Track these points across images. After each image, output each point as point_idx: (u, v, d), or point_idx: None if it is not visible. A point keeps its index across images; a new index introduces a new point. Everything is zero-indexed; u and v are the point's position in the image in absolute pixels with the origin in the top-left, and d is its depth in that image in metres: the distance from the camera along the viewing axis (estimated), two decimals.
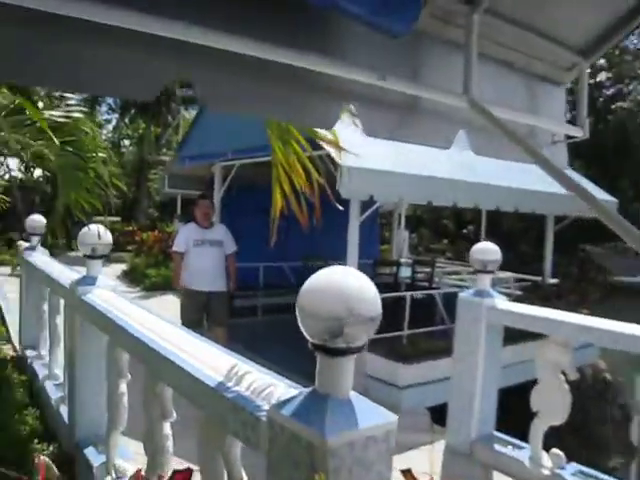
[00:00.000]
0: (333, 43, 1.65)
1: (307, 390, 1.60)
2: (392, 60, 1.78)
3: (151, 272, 12.76)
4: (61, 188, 4.31)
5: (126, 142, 26.54)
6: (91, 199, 4.40)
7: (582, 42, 2.20)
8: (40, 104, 4.15)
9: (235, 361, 2.16)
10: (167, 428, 2.59)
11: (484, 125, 1.81)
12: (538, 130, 2.31)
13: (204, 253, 6.16)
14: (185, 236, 6.29)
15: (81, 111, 4.38)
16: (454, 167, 6.51)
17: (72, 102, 4.18)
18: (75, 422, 3.73)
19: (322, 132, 2.77)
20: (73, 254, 13.20)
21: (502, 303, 4.27)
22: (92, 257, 3.75)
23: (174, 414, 2.54)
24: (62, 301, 4.53)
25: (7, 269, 13.30)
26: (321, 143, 3.43)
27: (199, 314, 6.21)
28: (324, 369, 1.56)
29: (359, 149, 3.89)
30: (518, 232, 24.81)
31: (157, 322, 2.99)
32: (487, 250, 4.34)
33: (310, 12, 1.53)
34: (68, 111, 4.03)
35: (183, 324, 5.93)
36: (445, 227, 31.72)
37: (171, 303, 10.60)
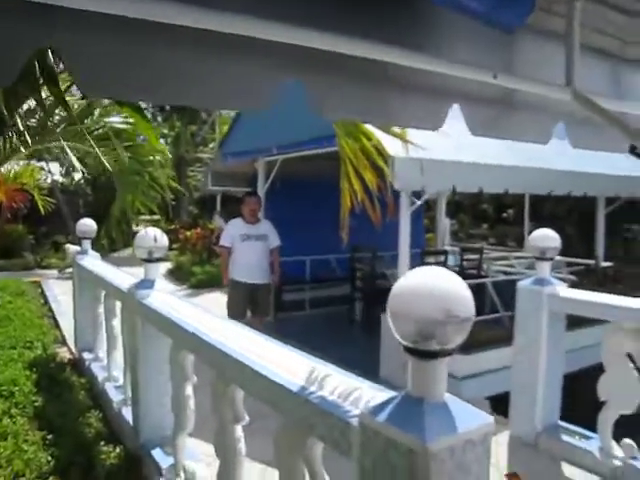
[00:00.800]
0: (445, 41, 1.61)
1: (400, 394, 1.56)
2: (498, 56, 1.73)
3: (197, 270, 12.85)
4: (119, 192, 4.36)
5: (161, 141, 26.94)
6: (147, 201, 4.43)
7: None
8: (97, 111, 4.21)
9: (313, 364, 2.14)
10: (239, 430, 2.59)
11: (586, 117, 1.74)
12: (630, 117, 2.21)
13: (250, 247, 6.38)
14: (232, 231, 6.48)
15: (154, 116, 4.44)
16: (505, 152, 6.37)
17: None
18: (140, 424, 3.77)
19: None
20: (115, 255, 13.41)
21: (564, 290, 4.16)
22: (149, 260, 3.77)
23: (246, 417, 2.54)
24: (118, 304, 4.59)
25: (54, 272, 13.59)
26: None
27: (244, 304, 6.45)
28: (417, 372, 1.51)
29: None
30: (561, 215, 24.27)
31: (221, 323, 2.99)
32: (546, 237, 4.23)
33: (420, 11, 1.49)
34: (125, 116, 4.08)
35: (229, 315, 6.14)
36: (484, 212, 31.21)
37: (219, 300, 10.71)
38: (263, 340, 2.58)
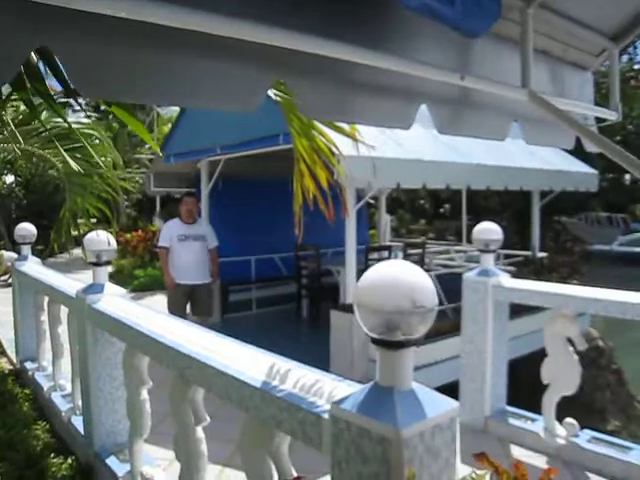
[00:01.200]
0: (416, 45, 1.67)
1: (368, 385, 1.61)
2: (464, 59, 1.81)
3: (139, 273, 12.59)
4: (68, 194, 4.24)
5: (97, 142, 26.04)
6: (98, 204, 4.33)
7: (614, 27, 2.25)
8: (45, 113, 4.06)
9: (273, 359, 2.16)
10: (200, 432, 2.58)
11: (539, 116, 1.85)
12: (572, 115, 2.35)
13: (188, 248, 6.39)
14: (169, 232, 6.49)
15: (90, 116, 4.32)
16: (444, 150, 6.56)
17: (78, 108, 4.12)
18: (92, 432, 3.67)
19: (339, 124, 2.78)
20: (52, 260, 12.98)
21: (507, 281, 4.34)
22: (98, 264, 3.69)
23: (207, 417, 2.53)
24: (64, 310, 4.46)
25: None
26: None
27: (183, 305, 6.50)
28: (385, 362, 1.56)
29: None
30: (494, 208, 25.12)
31: (176, 324, 2.97)
32: (489, 230, 4.39)
33: (393, 16, 1.55)
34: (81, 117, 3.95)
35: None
36: (422, 207, 31.96)
37: (163, 303, 10.52)
38: (220, 338, 2.58)
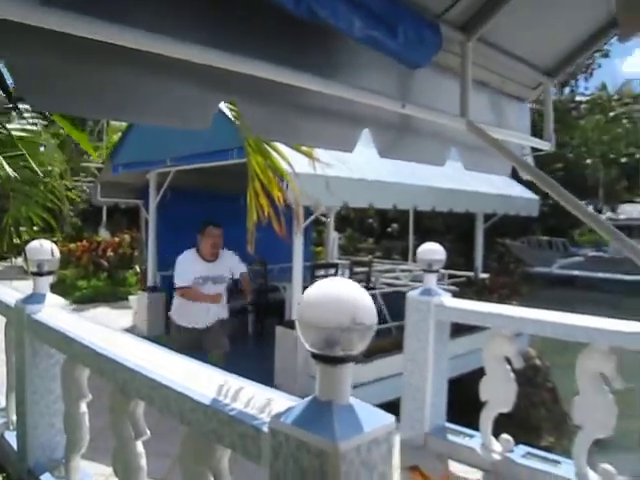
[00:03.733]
0: (362, 73, 1.74)
1: (307, 399, 1.64)
2: (406, 87, 1.89)
3: (82, 284, 12.27)
4: (12, 203, 4.12)
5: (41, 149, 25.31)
6: (43, 213, 4.23)
7: (548, 63, 2.40)
8: None
9: (215, 374, 2.17)
10: (140, 446, 2.55)
11: (476, 143, 1.95)
12: (510, 144, 2.48)
13: (207, 292, 5.33)
14: (189, 270, 5.28)
15: (36, 124, 4.22)
16: (392, 170, 6.72)
17: (27, 115, 4.02)
18: (26, 448, 3.55)
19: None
20: None
21: (449, 300, 4.46)
22: (39, 274, 3.61)
23: (147, 432, 2.51)
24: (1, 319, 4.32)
25: None
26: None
27: (196, 345, 5.40)
28: (325, 377, 1.60)
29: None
30: (440, 230, 25.67)
31: (120, 337, 2.94)
32: (433, 250, 4.51)
33: (341, 46, 1.62)
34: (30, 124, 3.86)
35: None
36: (370, 226, 32.33)
37: (109, 316, 10.32)
38: (163, 352, 2.57)
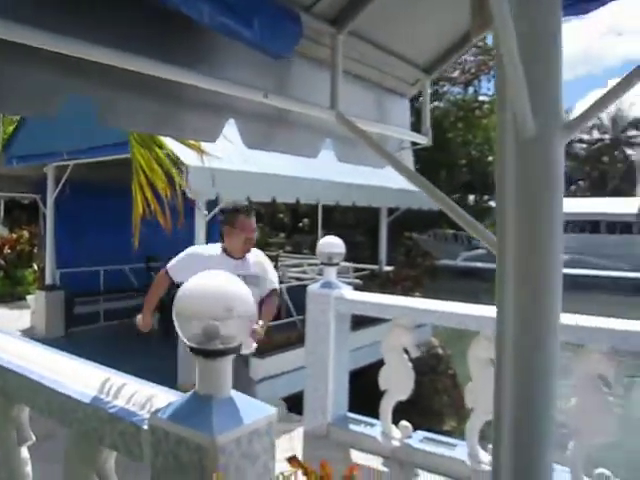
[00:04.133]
0: (221, 62, 1.72)
1: (187, 394, 1.63)
2: (271, 78, 1.89)
3: None
4: None
5: None
6: None
7: (425, 60, 2.48)
8: None
9: (106, 374, 2.10)
10: (25, 452, 2.43)
11: (348, 135, 1.98)
12: (390, 138, 2.54)
13: None
14: (200, 264, 3.08)
15: None
16: (296, 165, 6.75)
17: None
18: None
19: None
20: None
21: (349, 293, 4.55)
22: None
23: (32, 437, 2.40)
24: None
25: None
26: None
27: None
28: (204, 371, 1.60)
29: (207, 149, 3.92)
30: (350, 224, 26.08)
31: (3, 338, 2.78)
32: (332, 244, 4.59)
33: (199, 34, 1.59)
34: None
35: None
36: (282, 221, 32.38)
37: (1, 316, 9.73)
38: (50, 353, 2.46)
